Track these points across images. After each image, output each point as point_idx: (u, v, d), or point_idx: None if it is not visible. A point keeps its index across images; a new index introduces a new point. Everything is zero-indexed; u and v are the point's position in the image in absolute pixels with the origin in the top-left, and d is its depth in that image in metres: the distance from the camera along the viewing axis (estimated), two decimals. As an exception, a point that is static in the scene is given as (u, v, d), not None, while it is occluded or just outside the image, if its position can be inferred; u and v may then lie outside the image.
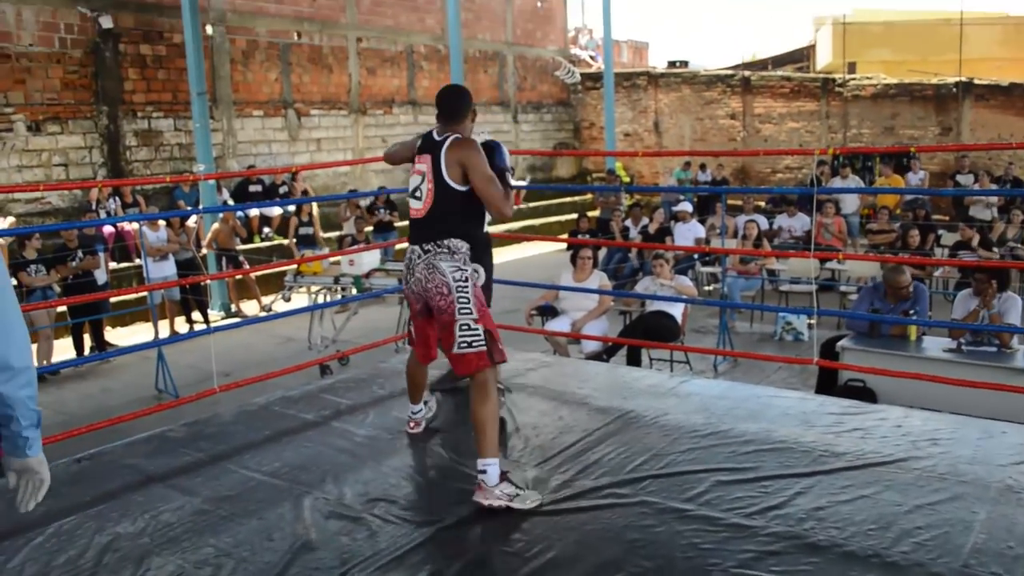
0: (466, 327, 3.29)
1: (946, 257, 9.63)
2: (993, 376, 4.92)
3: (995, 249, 9.69)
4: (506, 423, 4.15)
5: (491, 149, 3.54)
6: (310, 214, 12.22)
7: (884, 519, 2.99)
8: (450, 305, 3.31)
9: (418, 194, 3.45)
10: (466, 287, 3.33)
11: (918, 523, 2.95)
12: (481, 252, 3.88)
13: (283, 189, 13.30)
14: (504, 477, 3.21)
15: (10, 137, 11.05)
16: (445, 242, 3.37)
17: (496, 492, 3.16)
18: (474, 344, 3.28)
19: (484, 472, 3.19)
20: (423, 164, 3.44)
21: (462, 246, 3.39)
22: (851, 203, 13.00)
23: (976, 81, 16.86)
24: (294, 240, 12.20)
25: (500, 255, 14.26)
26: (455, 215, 3.39)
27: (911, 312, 5.75)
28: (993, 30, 21.75)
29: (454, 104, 3.53)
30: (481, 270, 3.51)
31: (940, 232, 11.02)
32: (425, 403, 4.09)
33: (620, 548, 2.90)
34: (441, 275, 3.34)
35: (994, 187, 13.38)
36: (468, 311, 3.30)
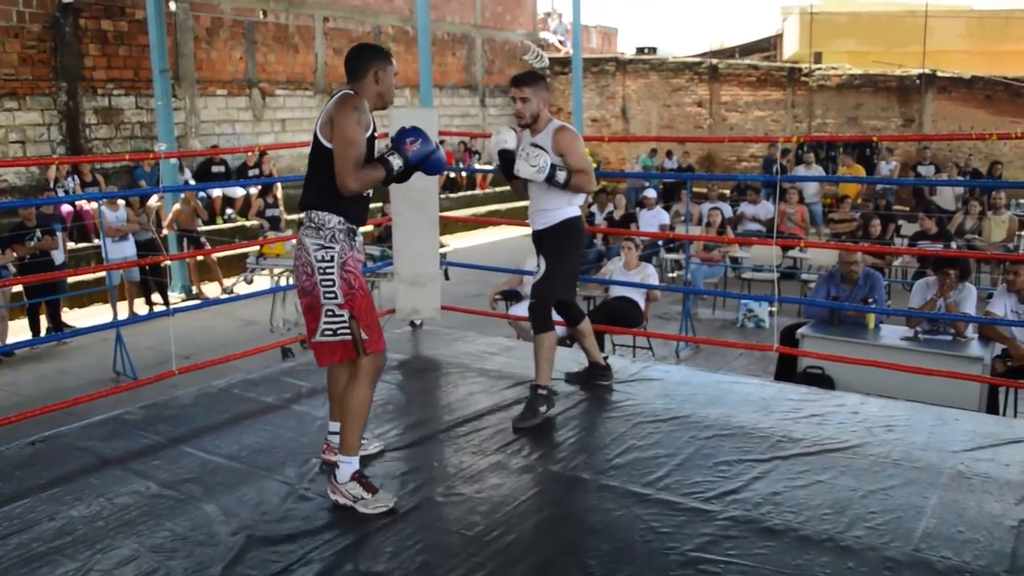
0: (330, 312, 3.04)
1: (906, 247, 9.77)
2: (948, 364, 5.00)
3: (954, 241, 9.85)
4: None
5: (401, 132, 3.12)
6: (275, 196, 12.09)
7: (839, 504, 3.03)
8: (313, 287, 3.05)
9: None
10: (331, 267, 3.01)
11: (872, 508, 3.00)
12: (566, 236, 3.93)
13: (254, 172, 13.13)
14: (355, 477, 3.04)
15: (-35, 112, 10.80)
16: (312, 215, 3.05)
17: (343, 489, 3.04)
18: (339, 332, 3.05)
19: (338, 467, 3.05)
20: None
21: (330, 220, 3.03)
22: (811, 190, 13.15)
23: (939, 73, 17.08)
24: (262, 221, 12.07)
25: (466, 239, 14.24)
26: (325, 181, 3.00)
27: (870, 300, 5.83)
28: (957, 23, 22.03)
29: (351, 63, 3.16)
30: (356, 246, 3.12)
31: (900, 222, 11.18)
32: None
33: (579, 532, 2.92)
34: (305, 252, 3.05)
35: (957, 179, 13.59)
36: (332, 295, 3.02)
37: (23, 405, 4.59)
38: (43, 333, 8.49)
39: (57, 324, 8.62)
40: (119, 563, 2.75)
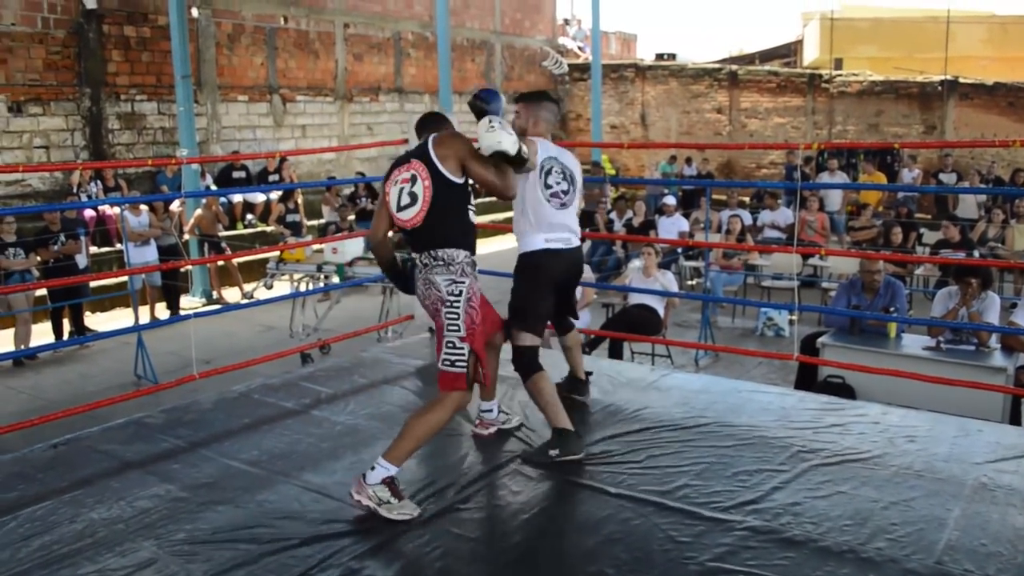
0: (451, 344, 3.18)
1: (928, 256, 9.69)
2: (971, 374, 4.96)
3: (976, 249, 9.77)
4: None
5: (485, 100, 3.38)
6: (296, 201, 12.16)
7: (860, 515, 3.01)
8: (437, 316, 3.24)
9: (408, 200, 3.28)
10: (458, 301, 3.18)
11: (893, 519, 2.97)
12: (520, 273, 3.79)
13: (274, 177, 13.22)
14: (386, 481, 3.04)
15: (-10, 117, 10.93)
16: (437, 252, 3.24)
17: (369, 491, 3.03)
18: (456, 364, 3.16)
19: (373, 469, 3.06)
20: (409, 170, 3.29)
21: (457, 255, 3.23)
22: (835, 200, 13.07)
23: (961, 79, 16.95)
24: (282, 227, 12.13)
25: (484, 246, 14.25)
26: (453, 218, 3.28)
27: (891, 309, 5.78)
28: (979, 29, 21.87)
29: (427, 124, 3.49)
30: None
31: (922, 231, 11.09)
32: (501, 410, 3.95)
33: (598, 540, 2.91)
34: (436, 290, 3.23)
35: (981, 187, 13.47)
36: (456, 328, 3.17)
37: (45, 408, 4.64)
38: (65, 337, 8.57)
39: (80, 328, 8.69)
40: (139, 566, 2.76)
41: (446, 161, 3.20)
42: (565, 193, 3.78)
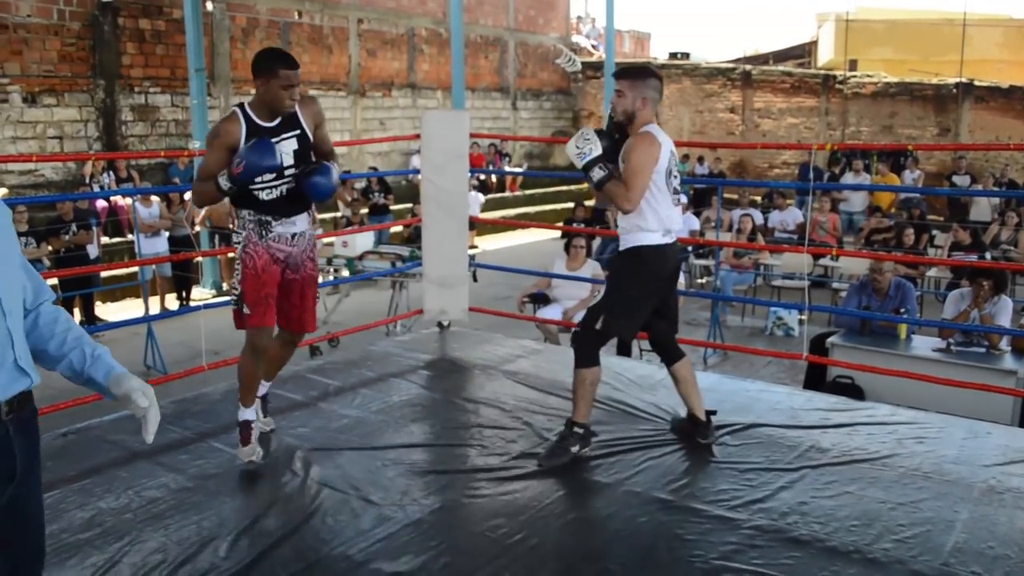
0: (233, 286, 3.53)
1: (941, 258, 9.65)
2: (981, 377, 4.93)
3: (989, 252, 9.71)
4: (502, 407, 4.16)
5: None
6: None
7: (867, 516, 3.00)
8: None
9: None
10: (239, 249, 3.47)
11: (900, 521, 2.96)
12: (629, 265, 3.53)
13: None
14: (240, 425, 3.52)
15: (5, 108, 10.98)
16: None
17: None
18: (233, 303, 3.53)
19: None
20: None
21: (240, 211, 3.48)
22: (857, 201, 13.00)
23: (976, 82, 16.86)
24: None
25: (495, 241, 14.26)
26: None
27: (901, 311, 5.76)
28: (995, 32, 21.74)
29: (252, 66, 3.42)
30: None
31: (934, 232, 11.04)
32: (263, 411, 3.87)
33: (603, 537, 2.91)
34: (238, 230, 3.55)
35: (994, 190, 13.40)
36: (236, 272, 3.49)
37: (55, 398, 4.64)
38: (76, 326, 8.61)
39: (90, 318, 8.73)
40: (147, 555, 2.77)
41: None
42: (679, 190, 3.61)
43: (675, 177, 3.54)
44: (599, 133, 3.49)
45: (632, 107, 3.51)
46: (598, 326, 3.52)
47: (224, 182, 3.28)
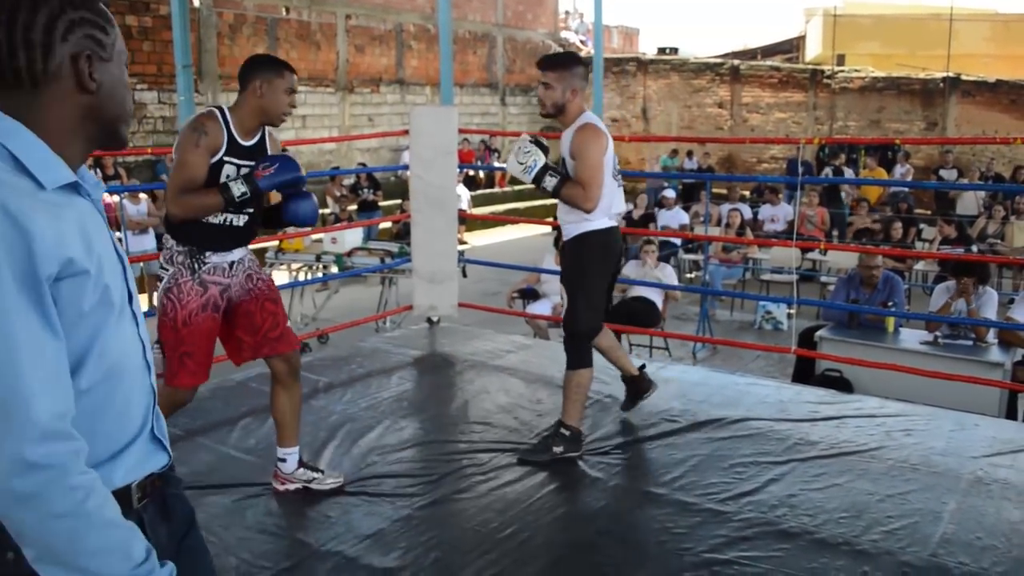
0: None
1: (924, 251, 9.69)
2: (968, 369, 4.96)
3: (975, 245, 9.76)
4: (487, 401, 4.16)
5: (262, 158, 2.93)
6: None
7: (855, 507, 3.01)
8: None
9: None
10: (163, 286, 2.94)
11: (889, 512, 2.98)
12: (579, 255, 3.43)
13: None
14: (302, 464, 3.18)
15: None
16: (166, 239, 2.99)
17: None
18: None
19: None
20: None
21: (168, 240, 2.96)
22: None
23: (963, 77, 16.94)
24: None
25: (484, 237, 14.25)
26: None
27: (889, 304, 5.79)
28: (982, 26, 21.83)
29: (241, 70, 2.95)
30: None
31: (921, 226, 11.09)
32: (305, 464, 3.27)
33: (593, 531, 2.92)
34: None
35: (980, 183, 13.47)
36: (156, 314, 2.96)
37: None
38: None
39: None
40: (136, 553, 2.76)
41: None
42: (618, 171, 3.56)
43: (616, 161, 3.53)
44: (535, 141, 3.41)
45: (562, 99, 3.38)
46: (581, 327, 3.50)
47: (239, 187, 2.80)
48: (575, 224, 3.43)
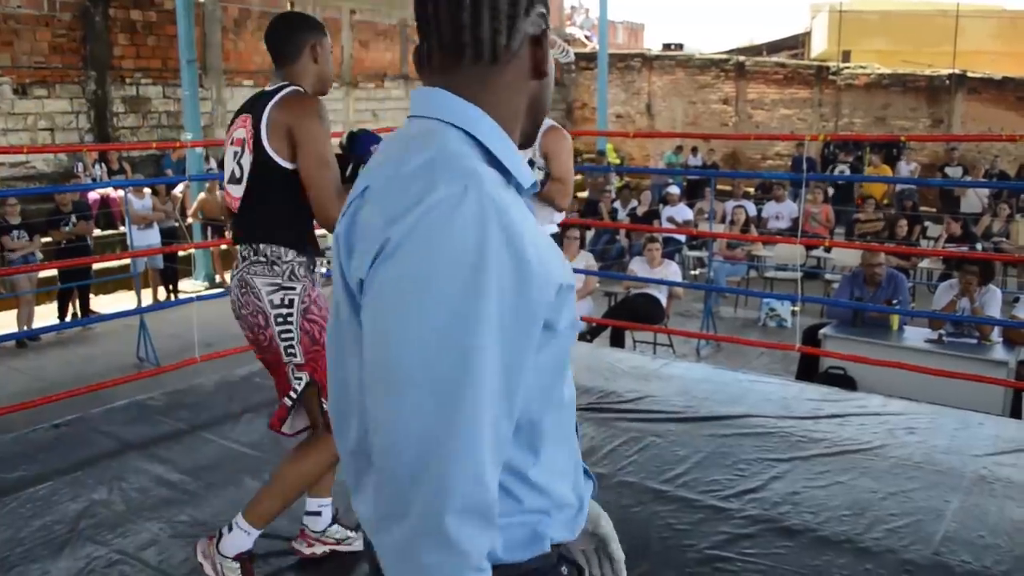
0: (291, 374, 2.44)
1: (928, 248, 9.67)
2: (972, 367, 4.95)
3: (980, 243, 9.74)
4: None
5: (353, 139, 2.50)
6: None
7: (858, 505, 3.01)
8: (271, 341, 2.41)
9: (236, 174, 2.44)
10: (291, 314, 2.38)
11: (892, 510, 2.97)
12: None
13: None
14: (240, 558, 2.49)
15: (-5, 99, 10.92)
16: (260, 248, 2.39)
17: (216, 562, 2.48)
18: (285, 395, 2.46)
19: (230, 529, 2.50)
20: (242, 129, 2.43)
21: (287, 253, 2.40)
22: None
23: (969, 74, 16.88)
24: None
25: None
26: (279, 207, 2.39)
27: (893, 302, 5.78)
28: (988, 23, 21.74)
29: (279, 39, 2.49)
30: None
31: (926, 224, 11.07)
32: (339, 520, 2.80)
33: (596, 527, 2.92)
34: (254, 297, 2.39)
35: (983, 180, 13.44)
36: (292, 352, 2.40)
37: (48, 390, 4.65)
38: (68, 319, 8.59)
39: (84, 310, 8.72)
40: (141, 547, 2.78)
41: (275, 135, 2.34)
42: None
43: None
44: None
45: None
46: None
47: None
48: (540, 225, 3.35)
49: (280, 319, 2.37)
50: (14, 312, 8.23)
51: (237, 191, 2.42)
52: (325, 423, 2.37)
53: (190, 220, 10.43)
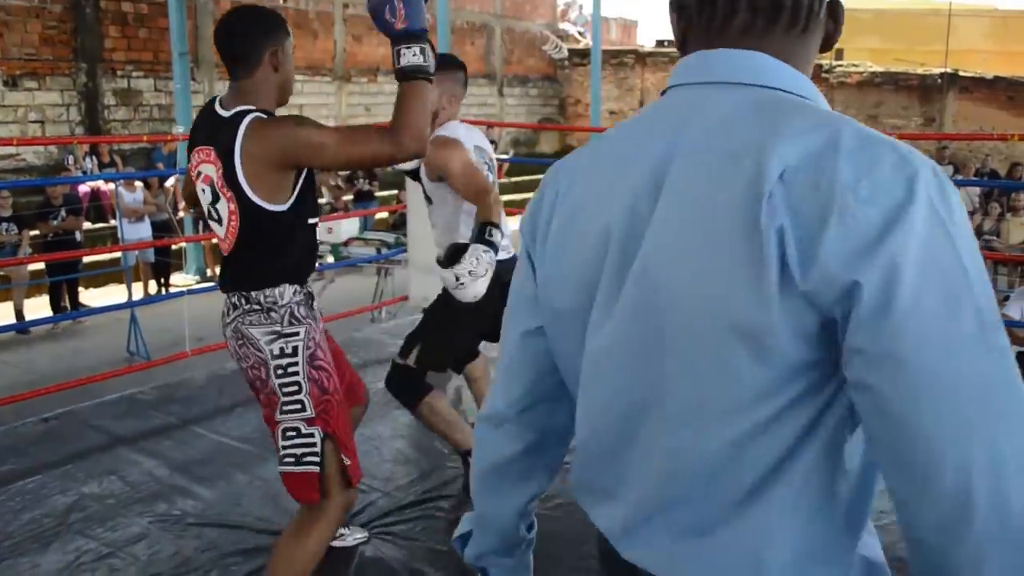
0: (293, 432, 2.10)
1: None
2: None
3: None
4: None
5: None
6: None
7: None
8: (271, 394, 2.13)
9: (214, 215, 2.12)
10: (295, 364, 2.09)
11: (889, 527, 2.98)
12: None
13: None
14: None
15: (-15, 91, 10.87)
16: (255, 295, 2.09)
17: None
18: (304, 459, 2.10)
19: None
20: (209, 166, 2.07)
21: (284, 294, 2.10)
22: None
23: (961, 73, 16.95)
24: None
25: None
26: (271, 248, 2.09)
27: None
28: (981, 22, 21.84)
29: (235, 40, 2.14)
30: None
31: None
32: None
33: (582, 553, 2.92)
34: (255, 348, 2.11)
35: (974, 179, 13.50)
36: (296, 405, 2.10)
37: (38, 383, 4.63)
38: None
39: (74, 303, 8.69)
40: (130, 540, 2.77)
41: (255, 176, 2.01)
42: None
43: (492, 177, 3.03)
44: (460, 247, 2.64)
45: (436, 104, 2.68)
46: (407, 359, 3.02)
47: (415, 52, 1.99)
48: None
49: (281, 371, 2.09)
50: (9, 304, 8.22)
51: (219, 230, 2.11)
52: (345, 481, 2.16)
53: (181, 214, 10.40)
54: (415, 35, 1.96)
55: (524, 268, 1.02)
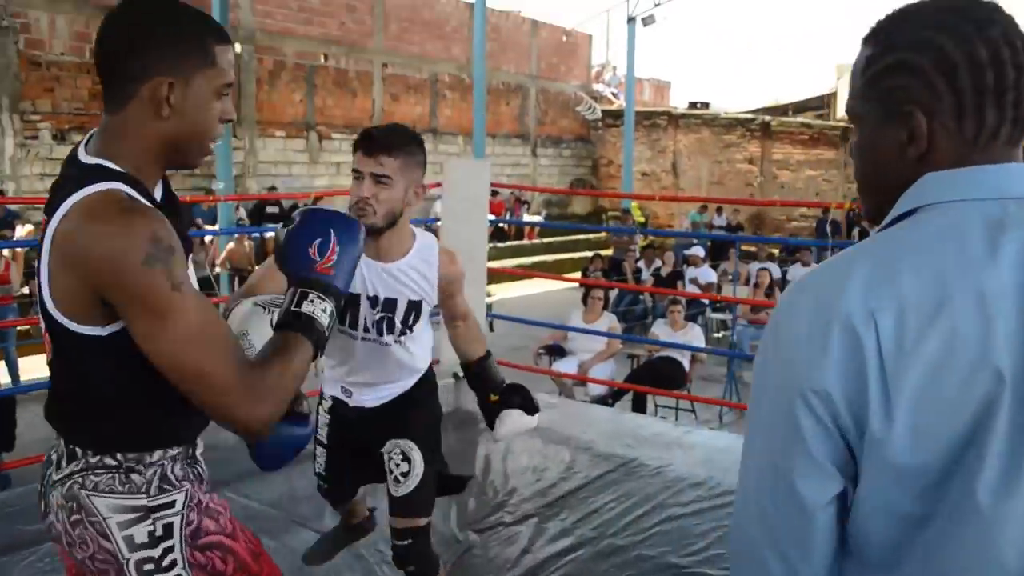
0: None
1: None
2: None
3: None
4: (503, 464, 4.14)
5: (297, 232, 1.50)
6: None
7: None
8: None
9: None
10: (169, 549, 1.35)
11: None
12: (429, 404, 2.63)
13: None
14: None
15: (35, 145, 11.17)
16: (102, 459, 1.35)
17: None
18: None
19: None
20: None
21: (152, 453, 1.36)
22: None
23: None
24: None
25: (511, 289, 14.26)
26: (114, 388, 1.34)
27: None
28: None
29: (113, 52, 1.30)
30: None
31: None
32: None
33: (615, 604, 2.88)
34: (99, 534, 1.33)
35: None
36: None
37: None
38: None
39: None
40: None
41: (58, 283, 1.26)
42: None
43: None
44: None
45: (403, 203, 2.21)
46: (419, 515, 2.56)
47: (323, 305, 1.40)
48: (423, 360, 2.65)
49: (151, 567, 1.33)
50: (42, 357, 8.32)
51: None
52: None
53: (218, 270, 10.56)
54: (333, 291, 1.42)
55: (812, 416, 0.90)
